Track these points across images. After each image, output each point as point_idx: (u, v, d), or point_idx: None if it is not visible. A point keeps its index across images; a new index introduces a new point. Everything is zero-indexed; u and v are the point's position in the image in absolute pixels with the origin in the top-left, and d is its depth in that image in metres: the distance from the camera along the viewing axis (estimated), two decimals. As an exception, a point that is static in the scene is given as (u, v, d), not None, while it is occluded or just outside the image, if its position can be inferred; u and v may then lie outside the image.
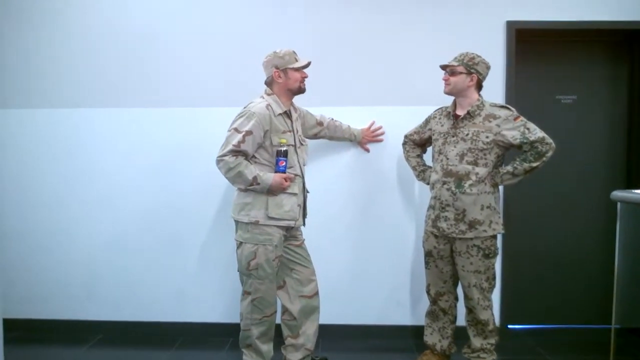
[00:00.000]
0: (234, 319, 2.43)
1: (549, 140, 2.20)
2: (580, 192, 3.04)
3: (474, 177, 2.23)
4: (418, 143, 2.54)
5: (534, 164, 2.20)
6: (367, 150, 2.83)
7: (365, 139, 2.80)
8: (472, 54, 2.29)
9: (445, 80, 2.29)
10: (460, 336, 2.50)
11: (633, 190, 2.19)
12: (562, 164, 3.03)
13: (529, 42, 2.88)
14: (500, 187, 2.45)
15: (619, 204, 2.17)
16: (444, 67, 2.31)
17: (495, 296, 2.72)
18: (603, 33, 2.90)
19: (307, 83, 2.33)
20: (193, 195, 2.88)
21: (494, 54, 2.78)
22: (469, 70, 2.25)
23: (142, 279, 2.93)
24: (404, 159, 2.62)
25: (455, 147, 2.27)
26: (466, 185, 2.23)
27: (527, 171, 2.23)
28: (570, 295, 3.06)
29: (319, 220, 2.73)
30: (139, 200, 2.91)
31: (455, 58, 2.29)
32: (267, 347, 2.32)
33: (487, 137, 2.23)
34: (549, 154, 2.20)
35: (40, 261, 2.97)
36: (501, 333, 2.60)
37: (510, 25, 2.79)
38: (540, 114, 2.88)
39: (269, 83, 2.31)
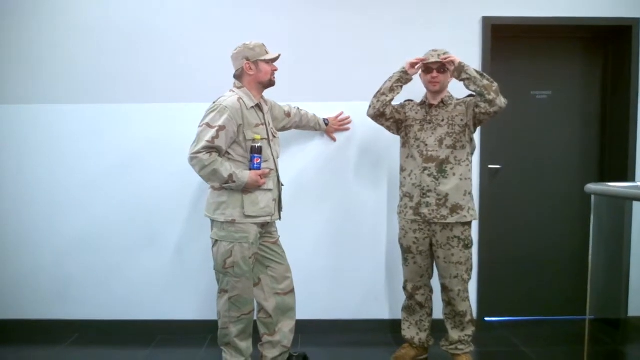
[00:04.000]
0: (213, 316, 2.41)
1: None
2: (554, 185, 3.09)
3: (453, 161, 2.30)
4: (392, 107, 2.41)
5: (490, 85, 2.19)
6: (334, 140, 2.84)
7: (332, 128, 2.80)
8: (445, 50, 2.32)
9: (435, 78, 2.30)
10: (436, 329, 2.53)
11: (606, 183, 2.23)
12: (536, 159, 3.08)
13: (504, 38, 2.91)
14: (474, 179, 2.48)
15: (592, 197, 2.21)
16: (433, 66, 2.29)
17: (472, 289, 2.75)
18: (577, 29, 2.94)
19: (281, 78, 2.31)
20: (166, 192, 2.85)
21: (470, 49, 2.82)
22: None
23: (117, 277, 2.90)
24: (377, 117, 2.41)
25: (433, 133, 2.33)
26: (447, 169, 2.29)
27: (484, 78, 2.20)
28: (546, 287, 3.11)
29: (294, 216, 2.74)
30: (111, 197, 2.87)
31: (438, 56, 2.28)
32: (245, 345, 2.31)
33: (461, 120, 2.32)
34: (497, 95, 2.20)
35: (11, 260, 2.91)
36: (478, 326, 2.64)
37: (486, 21, 2.81)
38: (515, 109, 2.92)
39: (239, 76, 2.28)
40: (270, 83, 2.29)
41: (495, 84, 2.20)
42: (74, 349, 2.73)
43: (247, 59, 2.22)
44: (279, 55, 2.28)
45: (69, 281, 2.91)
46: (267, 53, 2.25)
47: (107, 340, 2.81)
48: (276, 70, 2.29)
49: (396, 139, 2.54)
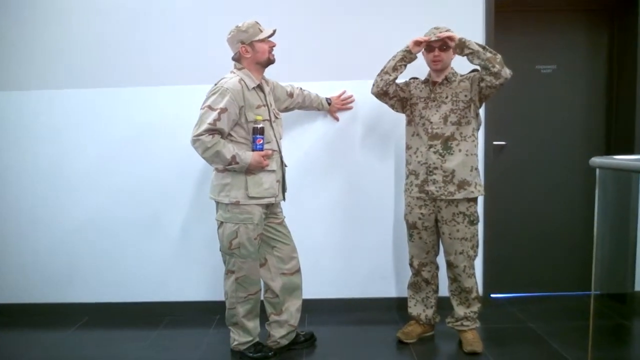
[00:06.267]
0: (220, 296, 2.44)
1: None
2: (560, 161, 3.07)
3: (459, 137, 2.30)
4: (396, 85, 2.40)
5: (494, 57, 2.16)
6: (337, 119, 2.82)
7: (335, 107, 2.78)
8: (447, 28, 2.29)
9: (437, 57, 2.28)
10: (442, 307, 2.55)
11: (611, 156, 2.20)
12: (542, 134, 3.05)
13: (508, 12, 2.86)
14: (480, 155, 2.47)
15: (597, 170, 2.19)
16: (435, 45, 2.26)
17: (478, 266, 2.76)
18: (582, 1, 2.90)
19: (282, 58, 2.28)
20: (171, 174, 2.86)
21: (474, 24, 2.77)
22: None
23: (125, 260, 2.93)
24: (383, 81, 2.35)
25: (437, 110, 2.32)
26: (453, 145, 2.29)
27: (487, 51, 2.17)
28: (552, 263, 3.11)
29: (300, 196, 2.75)
30: (117, 180, 2.88)
31: (441, 33, 2.25)
32: (253, 324, 2.34)
33: (465, 95, 2.30)
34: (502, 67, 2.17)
35: (19, 245, 2.94)
36: (484, 302, 2.65)
37: (490, -6, 2.76)
38: (520, 84, 2.89)
39: (237, 59, 2.25)
40: (269, 61, 2.26)
41: (499, 56, 2.18)
42: (84, 332, 2.77)
43: (242, 42, 2.19)
44: (274, 31, 2.24)
45: (77, 265, 2.94)
46: (261, 32, 2.21)
47: (116, 323, 2.85)
48: (274, 45, 2.26)
49: (400, 117, 2.52)
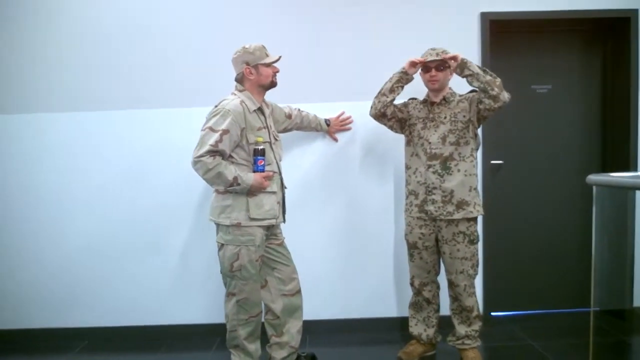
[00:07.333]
0: (220, 319, 2.42)
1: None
2: (557, 178, 3.09)
3: (457, 157, 2.32)
4: (394, 107, 2.42)
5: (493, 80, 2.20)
6: (336, 140, 2.85)
7: (334, 128, 2.81)
8: (444, 49, 2.32)
9: (434, 77, 2.31)
10: (443, 325, 2.54)
11: (608, 174, 2.23)
12: (538, 153, 3.09)
13: (503, 32, 2.91)
14: (479, 174, 2.48)
15: (594, 188, 2.21)
16: (431, 65, 2.29)
17: (478, 284, 2.76)
18: (576, 22, 2.94)
19: (282, 79, 2.31)
20: (171, 196, 2.86)
21: (469, 45, 2.82)
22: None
23: (124, 283, 2.91)
24: (380, 102, 2.38)
25: (436, 130, 2.34)
26: (452, 165, 2.31)
27: (487, 74, 2.21)
28: (551, 280, 3.12)
29: (300, 217, 2.75)
30: (117, 203, 2.88)
31: (437, 54, 2.29)
32: (254, 347, 2.32)
33: (464, 116, 2.33)
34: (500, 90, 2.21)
35: (18, 269, 2.92)
36: (485, 321, 2.65)
37: (485, 16, 2.81)
38: (516, 104, 2.92)
39: (240, 80, 2.28)
40: (272, 85, 2.29)
41: (499, 79, 2.21)
42: (84, 357, 2.74)
43: (247, 64, 2.22)
44: (279, 58, 2.27)
45: (76, 289, 2.92)
46: (267, 56, 2.25)
47: (116, 347, 2.82)
48: (277, 71, 2.29)
49: (399, 137, 2.55)
